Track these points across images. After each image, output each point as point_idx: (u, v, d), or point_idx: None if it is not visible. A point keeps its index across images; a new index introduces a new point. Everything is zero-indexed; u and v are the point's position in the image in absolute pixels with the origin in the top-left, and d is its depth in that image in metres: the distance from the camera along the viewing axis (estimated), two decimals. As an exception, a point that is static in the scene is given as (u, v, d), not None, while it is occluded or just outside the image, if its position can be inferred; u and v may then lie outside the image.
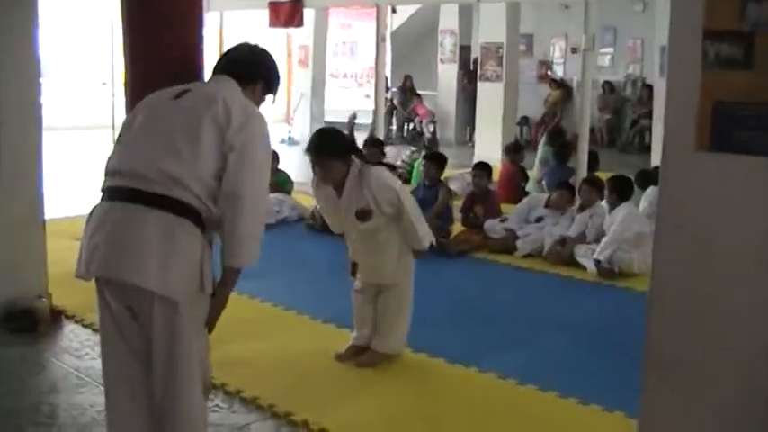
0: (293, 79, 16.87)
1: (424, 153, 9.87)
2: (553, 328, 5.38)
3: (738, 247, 2.14)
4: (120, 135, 3.05)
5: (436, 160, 7.77)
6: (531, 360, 4.85)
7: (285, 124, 16.46)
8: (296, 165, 11.90)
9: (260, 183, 2.86)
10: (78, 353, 4.84)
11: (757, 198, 2.09)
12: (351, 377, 4.57)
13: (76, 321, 5.32)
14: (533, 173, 9.97)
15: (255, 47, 3.20)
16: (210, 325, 2.95)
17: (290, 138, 15.47)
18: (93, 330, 5.13)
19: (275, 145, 14.60)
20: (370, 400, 4.26)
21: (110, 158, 2.96)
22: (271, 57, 3.21)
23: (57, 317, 5.35)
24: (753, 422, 2.19)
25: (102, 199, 2.89)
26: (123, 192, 2.81)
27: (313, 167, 4.44)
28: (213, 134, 2.78)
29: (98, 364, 4.55)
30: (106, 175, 2.93)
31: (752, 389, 2.18)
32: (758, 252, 2.10)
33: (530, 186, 9.65)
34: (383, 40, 9.55)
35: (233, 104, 2.86)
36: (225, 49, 3.27)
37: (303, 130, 15.61)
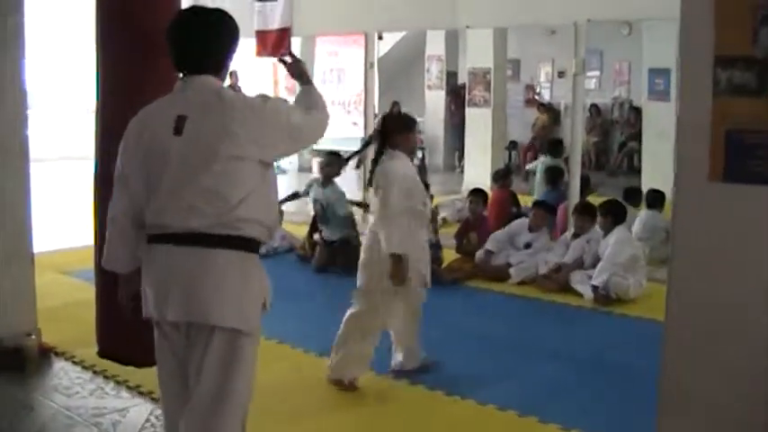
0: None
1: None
2: (551, 357, 5.31)
3: (753, 277, 2.08)
4: (123, 163, 3.00)
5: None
6: (530, 390, 4.78)
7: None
8: (284, 193, 11.84)
9: (314, 120, 3.17)
10: (68, 391, 4.73)
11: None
12: (342, 411, 4.48)
13: (66, 359, 5.21)
14: (535, 193, 9.83)
15: (205, 25, 2.97)
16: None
17: (278, 166, 15.37)
18: (84, 368, 5.05)
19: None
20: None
21: (147, 206, 2.92)
22: (224, 23, 3.01)
23: (46, 354, 5.23)
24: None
25: (159, 241, 2.89)
26: (177, 235, 2.84)
27: None
28: (248, 155, 2.82)
29: (88, 402, 4.56)
30: (150, 224, 2.93)
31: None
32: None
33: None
34: (371, 66, 9.54)
35: (235, 120, 2.82)
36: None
37: (291, 159, 15.53)
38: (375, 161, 4.81)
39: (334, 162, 8.03)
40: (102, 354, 4.27)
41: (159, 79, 3.41)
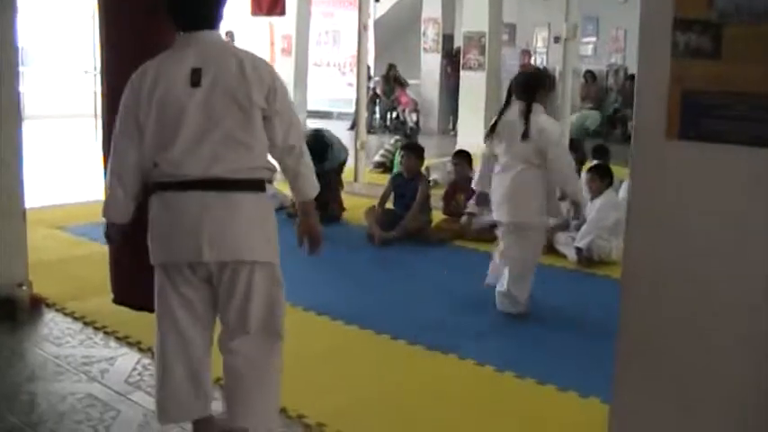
0: (277, 68, 16.80)
1: (402, 143, 9.86)
2: (532, 316, 5.41)
3: (709, 232, 2.17)
4: (130, 118, 3.12)
5: (415, 151, 7.73)
6: (510, 347, 4.90)
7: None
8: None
9: (300, 128, 3.29)
10: (59, 341, 4.84)
11: (726, 185, 2.12)
12: (325, 364, 4.59)
13: (57, 310, 5.32)
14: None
15: None
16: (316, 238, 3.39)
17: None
18: (74, 318, 5.16)
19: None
20: (343, 386, 4.27)
21: (159, 157, 3.06)
22: None
23: (37, 305, 5.34)
24: (724, 406, 2.22)
25: (179, 188, 3.05)
26: (200, 182, 3.02)
27: None
28: (256, 107, 3.02)
29: (77, 351, 4.67)
30: (165, 173, 3.07)
31: (725, 374, 2.21)
32: (728, 237, 2.13)
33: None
34: (365, 28, 9.57)
35: (248, 67, 3.04)
36: None
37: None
38: (501, 114, 5.39)
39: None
40: (117, 300, 4.37)
41: (160, 39, 3.48)
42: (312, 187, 3.28)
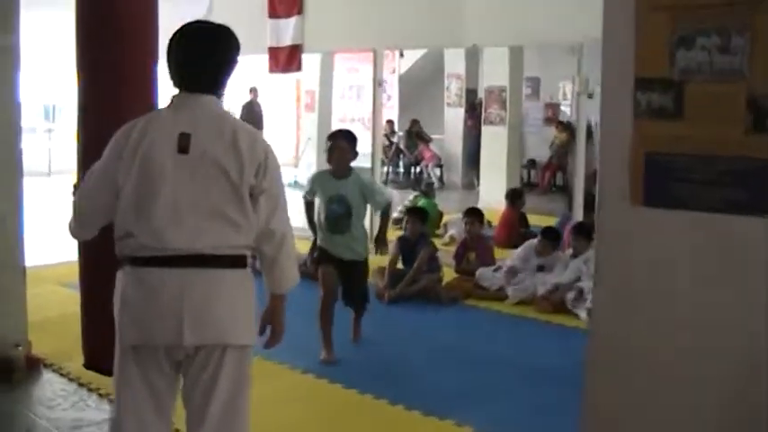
0: (300, 124, 16.92)
1: (414, 199, 9.78)
2: (540, 379, 5.24)
3: (674, 306, 2.04)
4: (108, 176, 2.87)
5: (417, 214, 7.67)
6: (513, 413, 4.72)
7: (292, 168, 16.46)
8: (302, 210, 11.84)
9: (286, 213, 3.00)
10: (51, 403, 4.76)
11: (695, 254, 1.99)
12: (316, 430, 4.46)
13: (54, 370, 5.25)
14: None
15: (208, 43, 2.94)
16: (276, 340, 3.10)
17: (295, 182, 15.45)
18: (69, 380, 5.09)
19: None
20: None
21: (136, 225, 2.80)
22: (223, 39, 2.98)
23: (35, 365, 5.27)
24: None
25: (156, 264, 2.80)
26: (182, 258, 2.79)
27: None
28: (246, 183, 2.80)
29: (68, 414, 4.58)
30: (143, 246, 2.81)
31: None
32: (701, 306, 2.00)
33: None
34: (380, 84, 9.58)
35: (241, 140, 2.82)
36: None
37: (309, 174, 15.55)
38: None
39: None
40: (88, 365, 4.29)
41: (137, 92, 3.43)
42: (290, 280, 3.02)
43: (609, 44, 2.07)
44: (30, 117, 18.57)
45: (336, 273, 5.66)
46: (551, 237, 7.42)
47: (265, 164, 2.85)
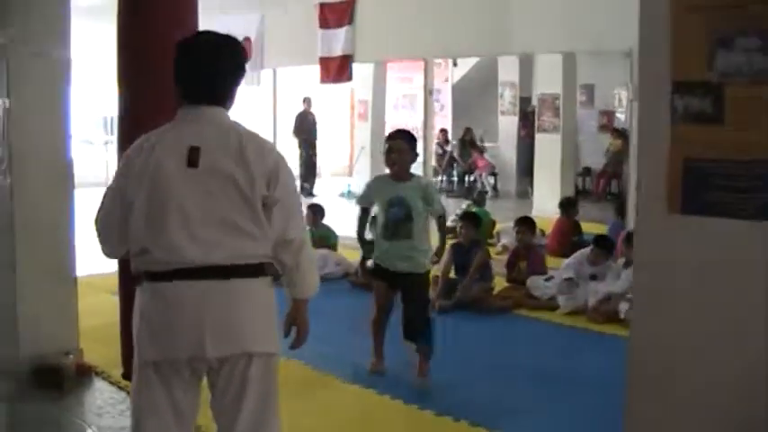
0: (354, 133, 16.99)
1: (467, 208, 9.71)
2: (590, 391, 5.14)
3: (713, 313, 1.97)
4: (118, 195, 2.89)
5: (471, 220, 7.58)
6: (561, 425, 4.64)
7: (346, 177, 16.53)
8: (353, 218, 11.81)
9: (302, 220, 3.06)
10: (100, 411, 4.81)
11: (733, 262, 1.92)
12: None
13: (104, 378, 5.30)
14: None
15: (217, 55, 2.93)
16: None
17: (349, 191, 15.50)
18: (118, 387, 5.13)
19: (335, 198, 14.73)
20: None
21: (151, 241, 2.80)
22: (228, 50, 2.97)
23: (86, 373, 5.34)
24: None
25: (175, 278, 2.79)
26: (199, 270, 2.78)
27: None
28: (257, 193, 2.80)
29: (115, 422, 4.61)
30: (158, 261, 2.81)
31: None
32: (735, 318, 1.92)
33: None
34: (431, 93, 9.53)
35: (250, 151, 2.82)
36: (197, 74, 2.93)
37: (363, 184, 15.58)
38: None
39: None
40: (126, 376, 4.33)
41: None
42: (312, 286, 3.02)
43: (645, 48, 2.01)
44: (88, 129, 19.03)
45: (390, 288, 5.33)
46: (604, 245, 7.30)
47: (276, 172, 2.85)
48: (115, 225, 2.91)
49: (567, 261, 7.47)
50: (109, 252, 3.02)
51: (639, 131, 2.06)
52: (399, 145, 5.19)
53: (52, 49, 5.24)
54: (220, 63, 2.92)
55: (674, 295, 2.01)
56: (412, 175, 5.28)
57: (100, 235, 2.99)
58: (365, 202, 5.47)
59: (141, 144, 2.91)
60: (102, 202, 2.96)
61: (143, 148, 2.88)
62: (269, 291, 2.93)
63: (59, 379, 5.16)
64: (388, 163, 5.19)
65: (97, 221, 2.99)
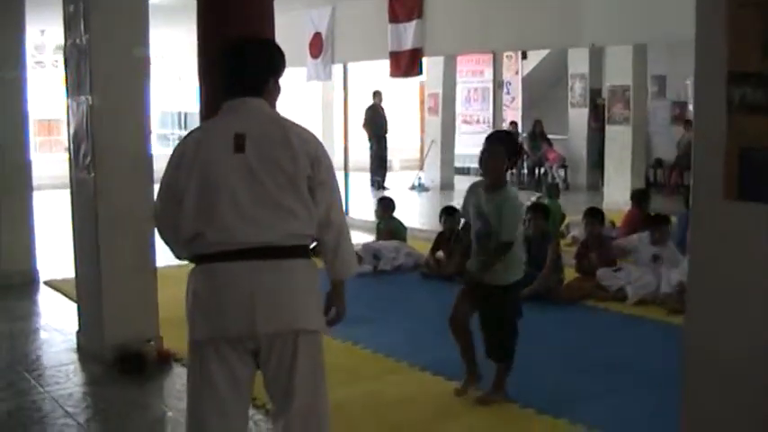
0: (424, 126, 17.09)
1: (537, 199, 9.72)
2: (656, 381, 5.13)
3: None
4: (170, 189, 3.03)
5: (541, 211, 7.61)
6: (626, 414, 4.67)
7: (417, 170, 16.63)
8: (425, 211, 11.96)
9: (341, 204, 3.19)
10: (180, 395, 4.99)
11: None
12: (436, 427, 4.54)
13: (183, 364, 5.50)
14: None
15: (253, 53, 3.17)
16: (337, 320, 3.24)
17: (420, 184, 15.61)
18: (197, 373, 5.33)
19: (405, 191, 14.85)
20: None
21: (204, 225, 2.94)
22: (267, 51, 3.23)
23: (166, 359, 5.57)
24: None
25: (227, 259, 2.93)
26: (251, 250, 2.93)
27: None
28: (302, 175, 2.96)
29: (195, 406, 4.80)
30: (211, 243, 2.94)
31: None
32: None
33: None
34: (500, 86, 9.57)
35: (292, 135, 2.99)
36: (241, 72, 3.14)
37: (433, 177, 15.71)
38: None
39: None
40: None
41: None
42: (350, 266, 3.17)
43: (701, 39, 2.07)
44: (165, 125, 19.50)
45: (472, 295, 4.93)
46: (663, 222, 7.42)
47: (318, 157, 3.02)
48: (172, 226, 3.06)
49: (629, 238, 7.57)
50: (178, 254, 3.17)
51: (695, 121, 2.12)
52: (491, 149, 4.79)
53: (133, 47, 5.47)
54: (259, 61, 3.15)
55: (731, 284, 2.07)
56: (503, 186, 4.83)
57: (161, 234, 3.18)
58: (465, 213, 5.06)
59: (187, 138, 3.14)
60: (157, 203, 3.14)
61: (188, 141, 3.10)
62: (314, 271, 3.09)
63: (141, 364, 5.41)
64: (481, 167, 4.87)
65: (157, 225, 3.18)
